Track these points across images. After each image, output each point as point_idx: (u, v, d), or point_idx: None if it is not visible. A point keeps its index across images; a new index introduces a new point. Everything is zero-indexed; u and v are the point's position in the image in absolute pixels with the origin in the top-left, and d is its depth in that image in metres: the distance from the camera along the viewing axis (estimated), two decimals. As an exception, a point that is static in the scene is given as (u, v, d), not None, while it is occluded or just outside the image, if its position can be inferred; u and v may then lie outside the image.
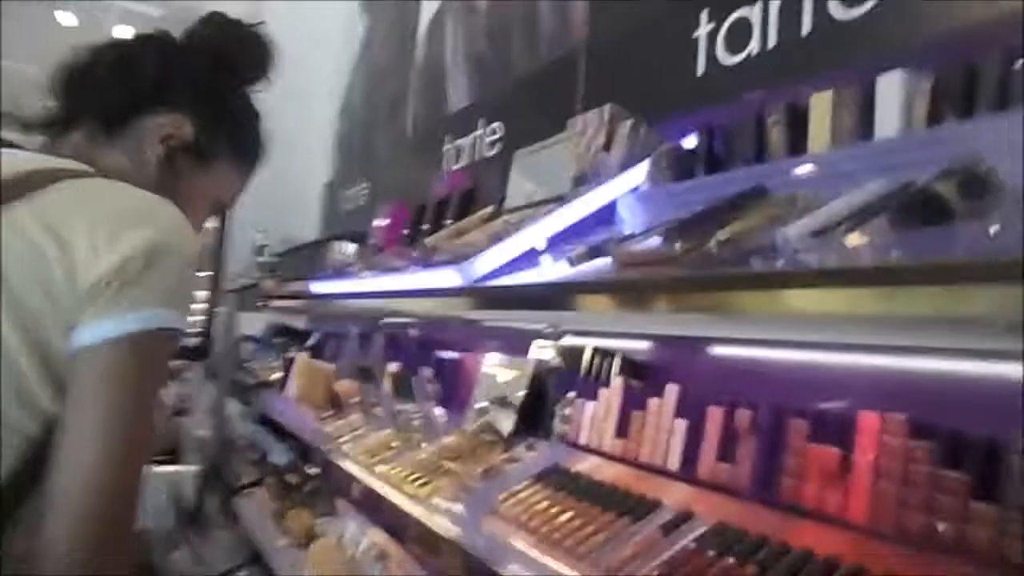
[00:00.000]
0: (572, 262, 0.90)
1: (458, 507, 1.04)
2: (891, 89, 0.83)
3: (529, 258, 1.04)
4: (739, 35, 1.29)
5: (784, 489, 0.78)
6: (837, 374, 0.85)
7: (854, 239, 0.59)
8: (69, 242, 0.66)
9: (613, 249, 0.85)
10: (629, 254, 0.80)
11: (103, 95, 0.82)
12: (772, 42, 1.23)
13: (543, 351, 1.39)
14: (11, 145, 0.80)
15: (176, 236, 0.71)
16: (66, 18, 5.67)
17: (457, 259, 1.03)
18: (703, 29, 1.36)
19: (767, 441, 0.81)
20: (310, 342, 2.41)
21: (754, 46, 1.26)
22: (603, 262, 0.88)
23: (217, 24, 0.90)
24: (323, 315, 2.68)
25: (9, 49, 6.88)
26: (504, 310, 1.19)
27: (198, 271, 0.82)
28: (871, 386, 0.80)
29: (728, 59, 1.30)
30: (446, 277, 1.06)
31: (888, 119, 0.82)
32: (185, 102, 0.84)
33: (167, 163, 0.83)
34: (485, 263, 0.98)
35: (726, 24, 1.32)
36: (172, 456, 3.83)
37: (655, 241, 0.80)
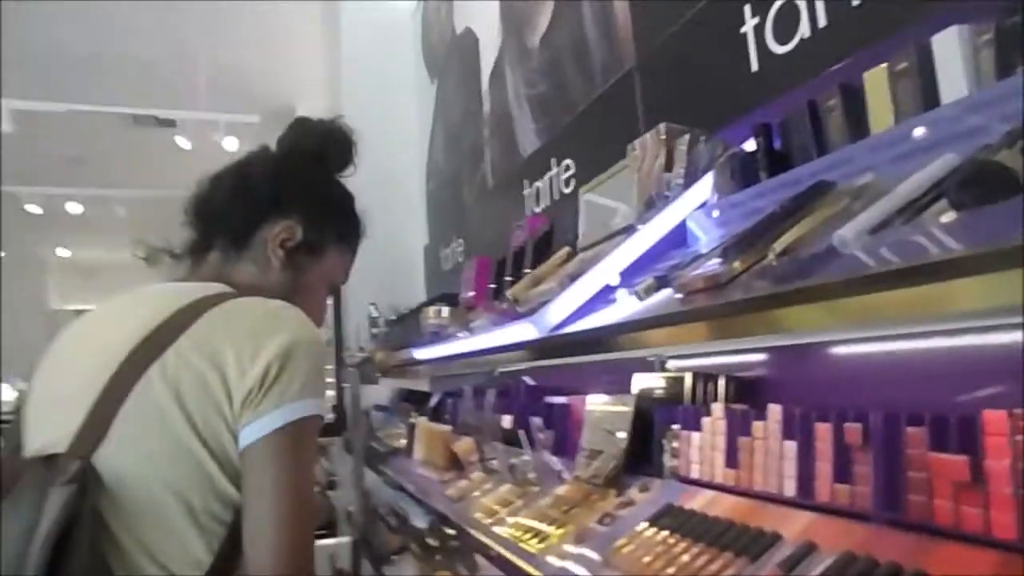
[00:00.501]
0: (640, 296, 0.87)
1: (576, 558, 1.01)
2: (950, 47, 0.75)
3: (604, 296, 1.02)
4: (787, 21, 1.22)
5: (912, 507, 0.70)
6: (951, 370, 0.76)
7: (916, 227, 0.53)
8: (222, 366, 0.81)
9: (673, 277, 0.81)
10: (689, 281, 0.76)
11: (228, 218, 0.99)
12: (822, 21, 1.16)
13: (646, 382, 1.35)
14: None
15: (302, 334, 0.85)
16: (183, 142, 6.27)
17: (530, 311, 1.02)
18: (749, 23, 1.30)
19: (884, 455, 0.74)
20: (431, 404, 2.46)
21: (804, 29, 1.19)
22: (669, 292, 0.84)
23: (306, 128, 1.06)
24: (440, 376, 2.74)
25: (140, 178, 7.66)
26: (585, 355, 1.17)
27: (325, 358, 0.90)
28: (990, 380, 0.71)
29: (780, 48, 1.24)
30: (523, 331, 1.05)
31: (953, 82, 0.75)
32: (293, 205, 1.00)
33: (288, 263, 0.99)
34: (556, 312, 0.97)
35: (771, 13, 1.26)
36: (329, 530, 4.02)
37: (714, 262, 0.76)
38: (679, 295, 0.78)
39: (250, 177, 1.01)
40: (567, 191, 2.03)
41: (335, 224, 1.05)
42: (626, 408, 1.23)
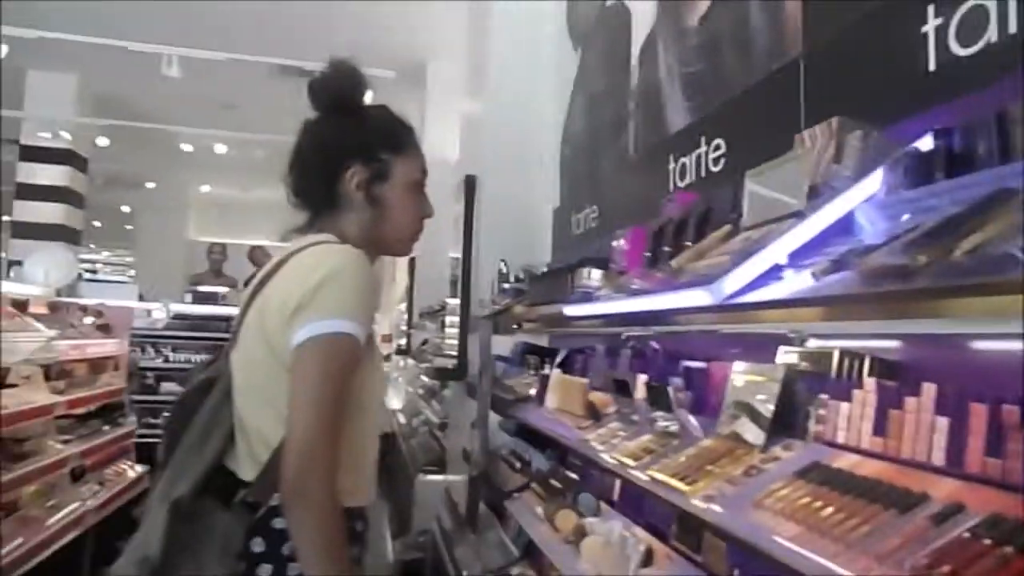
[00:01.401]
0: (816, 276, 0.99)
1: (723, 500, 1.15)
2: None
3: (772, 273, 1.14)
4: (973, 24, 1.27)
5: (1062, 481, 0.80)
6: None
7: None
8: (285, 295, 1.11)
9: (855, 262, 0.92)
10: (871, 267, 0.87)
11: (312, 195, 1.26)
12: (1013, 27, 1.20)
13: (789, 356, 1.46)
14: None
15: (337, 269, 1.10)
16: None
17: (706, 279, 1.15)
18: (931, 23, 1.35)
19: (1038, 435, 0.84)
20: (558, 359, 2.64)
21: (992, 33, 1.23)
22: (845, 275, 0.96)
23: (316, 86, 1.26)
24: (565, 334, 2.91)
25: (281, 124, 8.17)
26: (731, 325, 1.28)
27: (362, 288, 1.14)
28: None
29: (962, 51, 1.28)
30: (696, 297, 1.19)
31: None
32: (344, 155, 1.23)
33: (369, 197, 1.23)
34: (733, 281, 1.10)
35: (957, 15, 1.30)
36: (439, 467, 4.33)
37: (896, 252, 0.86)
38: (858, 278, 0.89)
39: (305, 159, 1.26)
40: (715, 170, 2.12)
41: (385, 144, 1.26)
42: (774, 376, 1.34)
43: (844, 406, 1.16)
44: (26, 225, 7.83)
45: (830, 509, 1.00)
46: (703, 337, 1.87)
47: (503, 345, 3.48)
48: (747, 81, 2.01)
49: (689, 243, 1.52)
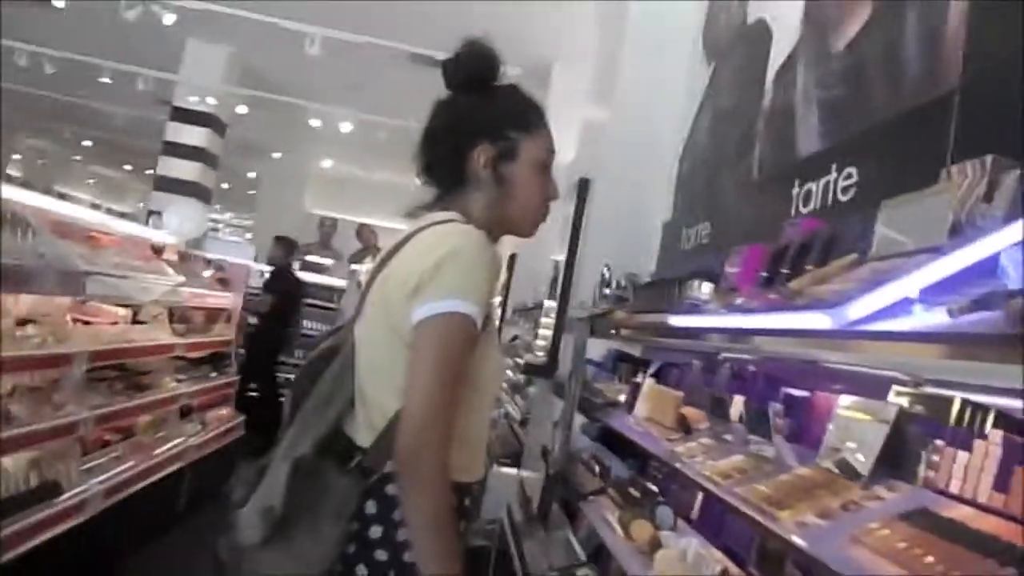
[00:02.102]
0: (953, 314, 0.95)
1: (816, 530, 1.13)
2: None
3: (900, 307, 1.10)
4: None
5: None
6: None
7: None
8: (407, 273, 1.14)
9: (1001, 303, 0.88)
10: (1019, 309, 0.84)
11: (440, 174, 1.29)
12: None
13: (901, 398, 1.41)
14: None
15: (456, 249, 1.13)
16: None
17: (827, 303, 1.13)
18: (1110, 67, 1.26)
19: None
20: (652, 369, 2.62)
21: None
22: (986, 315, 0.92)
23: (450, 67, 1.29)
24: (660, 347, 2.88)
25: (407, 110, 8.43)
26: (867, 355, 1.25)
27: (480, 268, 1.15)
28: None
29: None
30: (813, 320, 1.17)
31: None
32: (474, 134, 1.25)
33: (496, 176, 1.25)
34: (858, 308, 1.07)
35: None
36: (514, 460, 4.37)
37: (1046, 299, 0.82)
38: (1007, 320, 0.85)
39: (435, 137, 1.29)
40: (844, 199, 2.05)
41: (514, 123, 1.27)
42: (884, 415, 1.30)
43: (962, 455, 1.11)
44: (167, 180, 8.48)
45: (933, 557, 0.96)
46: (806, 367, 1.82)
47: (596, 349, 3.48)
48: (892, 110, 1.94)
49: (810, 268, 1.49)
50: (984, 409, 1.19)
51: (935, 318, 1.00)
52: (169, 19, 6.20)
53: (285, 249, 6.68)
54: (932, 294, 1.10)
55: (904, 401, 1.39)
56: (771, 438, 1.60)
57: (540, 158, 1.29)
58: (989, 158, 1.29)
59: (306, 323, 7.27)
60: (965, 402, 1.23)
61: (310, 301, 7.36)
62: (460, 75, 1.29)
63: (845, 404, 1.43)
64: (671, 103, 3.84)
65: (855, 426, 1.34)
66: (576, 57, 7.04)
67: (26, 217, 2.72)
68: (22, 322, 2.75)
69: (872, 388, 1.48)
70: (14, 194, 2.95)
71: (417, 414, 1.08)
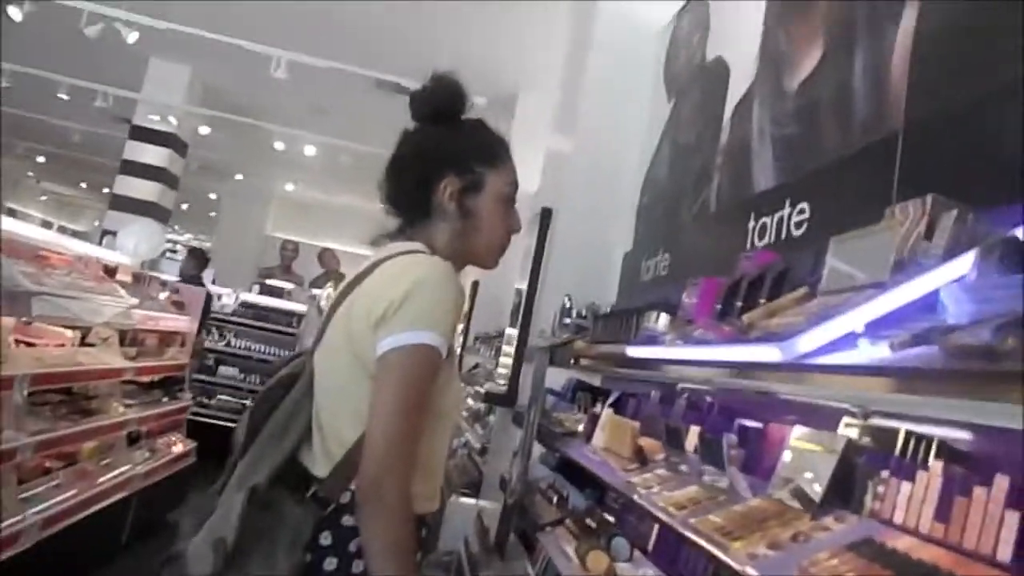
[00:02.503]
0: (893, 348, 0.98)
1: (766, 560, 1.14)
2: None
3: (846, 340, 1.13)
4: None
5: None
6: None
7: None
8: (372, 303, 1.15)
9: (938, 338, 0.91)
10: (955, 345, 0.87)
11: (405, 203, 1.31)
12: None
13: (850, 429, 1.44)
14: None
15: (423, 280, 1.14)
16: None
17: (777, 336, 1.15)
18: (1042, 114, 1.33)
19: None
20: (610, 399, 2.63)
21: (1105, 131, 1.21)
22: (925, 350, 0.94)
23: (420, 97, 1.32)
24: (619, 377, 2.90)
25: (370, 135, 8.42)
26: (817, 388, 1.27)
27: (446, 300, 1.17)
28: None
29: (1072, 146, 1.26)
30: (765, 352, 1.19)
31: None
32: (441, 165, 1.27)
33: (461, 208, 1.27)
34: (807, 342, 1.10)
35: (1071, 109, 1.28)
36: (473, 491, 4.33)
37: (984, 334, 0.85)
38: (942, 354, 0.88)
39: (402, 167, 1.30)
40: (797, 233, 2.11)
41: (479, 156, 1.30)
42: (833, 446, 1.32)
43: (906, 486, 1.14)
44: (124, 199, 8.30)
45: (883, 586, 0.97)
46: (760, 399, 1.85)
47: (556, 379, 3.48)
48: (842, 149, 2.00)
49: (763, 301, 1.52)
50: (927, 440, 1.22)
51: (878, 352, 1.03)
52: (132, 38, 6.13)
53: (197, 262, 6.52)
54: (876, 328, 1.14)
55: (853, 432, 1.42)
56: (725, 468, 1.61)
57: (504, 191, 1.32)
58: (929, 197, 1.34)
59: (265, 348, 7.14)
60: (909, 433, 1.26)
61: (269, 326, 7.24)
62: (428, 107, 1.32)
63: (797, 435, 1.45)
64: (633, 136, 3.92)
65: (807, 457, 1.36)
66: (540, 87, 7.15)
67: (-29, 235, 2.63)
68: (-40, 344, 2.65)
69: (824, 419, 1.51)
70: (-41, 211, 2.85)
71: (381, 443, 1.08)
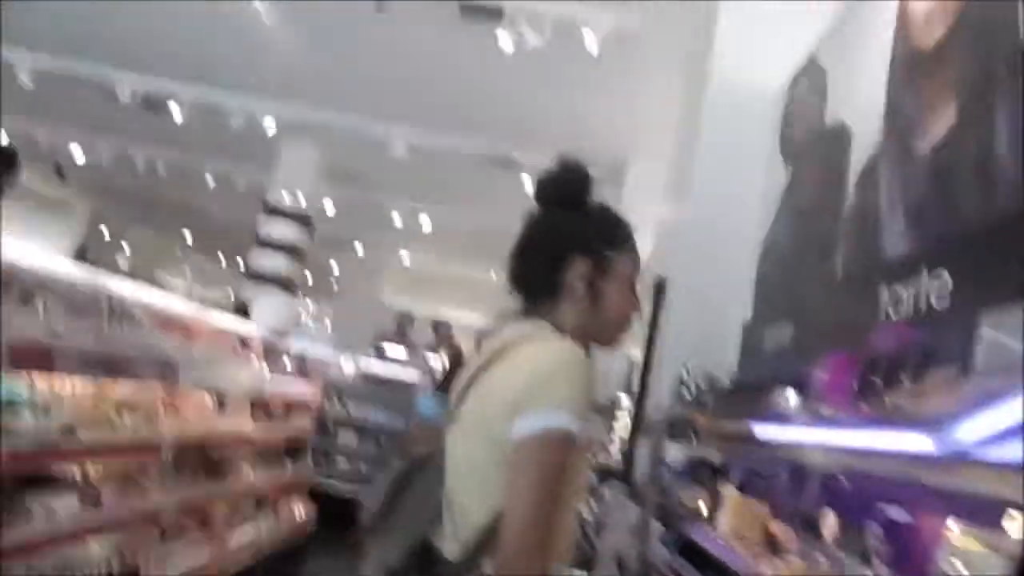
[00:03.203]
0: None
1: None
2: None
3: (1013, 431, 1.03)
4: None
5: None
6: None
7: None
8: (507, 387, 1.16)
9: None
10: None
11: (535, 285, 1.31)
12: None
13: (1016, 524, 1.29)
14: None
15: (557, 366, 1.14)
16: (527, 182, 7.06)
17: (931, 422, 1.06)
18: None
19: None
20: (735, 478, 2.50)
21: None
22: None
23: (547, 182, 1.35)
24: (742, 452, 2.76)
25: (484, 208, 8.72)
26: (978, 481, 1.16)
27: (582, 383, 1.16)
28: None
29: None
30: (914, 440, 1.10)
31: None
32: (573, 248, 1.29)
33: (590, 291, 1.28)
34: (967, 431, 1.01)
35: None
36: (587, 568, 4.19)
37: None
38: None
39: (532, 249, 1.32)
40: (939, 306, 1.96)
41: (609, 240, 1.32)
42: (1002, 547, 1.19)
43: (1094, 598, 1.00)
44: (257, 272, 8.95)
45: None
46: (904, 483, 1.70)
47: (674, 453, 3.36)
48: (984, 215, 1.87)
49: (906, 381, 1.42)
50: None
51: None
52: (270, 129, 6.71)
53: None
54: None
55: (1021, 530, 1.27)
56: (869, 561, 1.48)
57: (630, 275, 1.34)
58: (1099, 271, 1.22)
59: (381, 416, 7.34)
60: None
61: (385, 393, 7.46)
62: (556, 192, 1.35)
63: (954, 530, 1.32)
64: (748, 203, 3.84)
65: (967, 558, 1.23)
66: (650, 155, 7.18)
67: (131, 309, 2.91)
68: (119, 408, 2.89)
69: (982, 511, 1.36)
70: (122, 287, 3.17)
71: (518, 531, 1.08)
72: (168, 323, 3.37)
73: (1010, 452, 0.97)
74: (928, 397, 1.25)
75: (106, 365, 2.58)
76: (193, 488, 3.27)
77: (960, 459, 1.01)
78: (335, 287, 16.84)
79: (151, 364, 2.94)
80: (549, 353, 1.18)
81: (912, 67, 2.50)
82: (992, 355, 1.26)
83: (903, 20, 2.62)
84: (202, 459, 3.65)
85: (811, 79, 3.51)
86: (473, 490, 1.19)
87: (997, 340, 1.25)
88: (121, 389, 2.99)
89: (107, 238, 15.11)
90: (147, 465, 2.95)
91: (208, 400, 3.70)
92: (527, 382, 1.13)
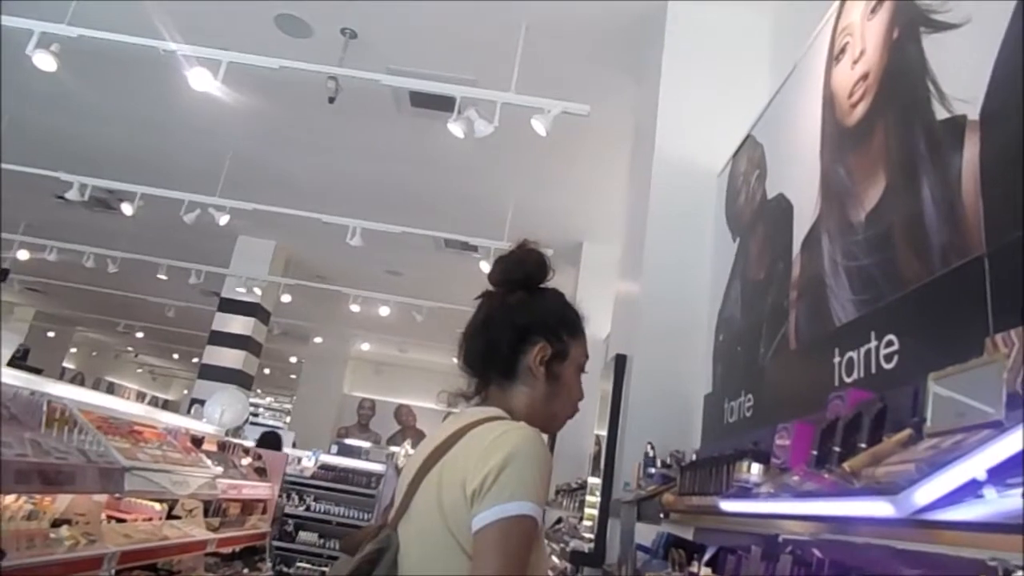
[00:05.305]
0: (1028, 499, 0.88)
1: None
2: None
3: (968, 489, 1.03)
4: None
5: None
6: None
7: None
8: (464, 475, 1.12)
9: (1078, 488, 0.82)
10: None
11: (494, 364, 1.31)
12: None
13: (990, 589, 1.27)
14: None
15: (519, 450, 1.12)
16: (484, 266, 7.11)
17: (887, 488, 1.06)
18: None
19: None
20: (707, 556, 2.44)
21: None
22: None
23: (508, 265, 1.36)
24: (713, 529, 2.71)
25: (440, 292, 8.75)
26: (942, 544, 1.15)
27: (543, 468, 1.16)
28: None
29: None
30: (874, 507, 1.09)
31: None
32: (534, 331, 1.30)
33: (548, 373, 1.30)
34: (923, 494, 1.00)
35: None
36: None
37: None
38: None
39: (492, 330, 1.32)
40: (888, 367, 2.00)
41: (566, 325, 1.35)
42: (974, 612, 1.17)
43: (1071, 661, 0.98)
44: (212, 368, 8.72)
45: None
46: (878, 550, 1.68)
47: (645, 533, 3.28)
48: (922, 277, 1.94)
49: (863, 445, 1.42)
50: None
51: (1010, 503, 0.92)
52: (224, 220, 6.70)
53: None
54: (1001, 475, 1.03)
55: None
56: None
57: (582, 361, 1.37)
58: (1035, 326, 1.26)
59: (344, 511, 7.06)
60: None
61: (348, 487, 7.20)
62: (516, 274, 1.36)
63: (925, 598, 1.29)
64: (700, 277, 3.93)
65: (941, 625, 1.20)
66: (605, 234, 7.35)
67: (73, 414, 2.78)
68: (56, 523, 2.72)
69: (955, 572, 1.35)
70: (65, 391, 3.03)
71: None
72: (115, 428, 3.22)
73: (969, 512, 0.96)
74: (884, 460, 1.25)
75: (43, 477, 2.43)
76: (139, 605, 3.05)
77: (920, 523, 1.00)
78: (294, 379, 16.47)
79: (95, 473, 2.79)
80: (509, 437, 1.16)
81: (841, 141, 2.64)
82: (942, 412, 1.27)
83: (828, 99, 2.78)
84: (151, 572, 3.43)
85: (749, 155, 3.68)
86: None
87: (946, 397, 1.27)
88: (60, 501, 2.82)
89: (52, 339, 14.62)
90: (88, 582, 2.75)
91: (156, 507, 3.51)
92: (487, 469, 1.11)
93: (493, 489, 1.10)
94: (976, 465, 1.03)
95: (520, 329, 1.31)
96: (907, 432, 1.36)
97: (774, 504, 1.50)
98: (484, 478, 1.11)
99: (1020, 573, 1.29)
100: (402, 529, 1.22)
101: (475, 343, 1.33)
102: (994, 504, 0.96)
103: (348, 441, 8.53)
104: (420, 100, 5.62)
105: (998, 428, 1.10)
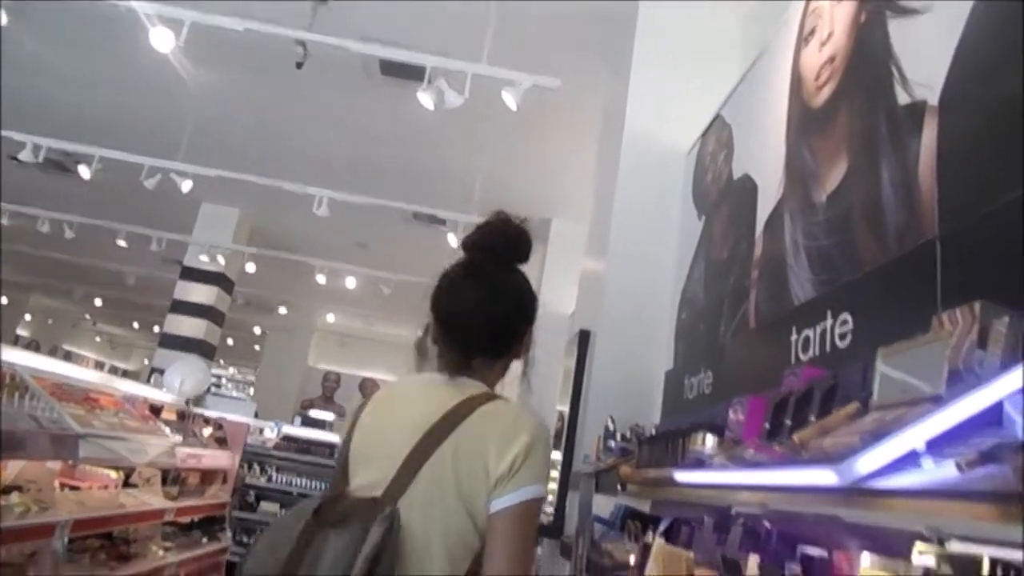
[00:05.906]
0: (961, 468, 0.92)
1: None
2: None
3: (908, 459, 1.06)
4: None
5: None
6: None
7: None
8: (485, 456, 1.16)
9: (1009, 456, 0.85)
10: (1030, 464, 0.80)
11: (497, 347, 1.31)
12: None
13: (926, 557, 1.32)
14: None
15: (539, 434, 1.19)
16: (452, 240, 7.09)
17: (832, 457, 1.09)
18: (1085, 215, 1.31)
19: None
20: (661, 527, 2.50)
21: None
22: (996, 469, 0.88)
23: (512, 236, 1.35)
24: (670, 502, 2.77)
25: (408, 265, 8.69)
26: (882, 512, 1.19)
27: (551, 449, 1.24)
28: None
29: (1123, 245, 1.22)
30: (820, 476, 1.12)
31: None
32: (532, 311, 1.34)
33: (523, 358, 1.36)
34: (865, 463, 1.03)
35: (1114, 210, 1.25)
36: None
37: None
38: (1014, 475, 0.82)
39: (507, 308, 1.31)
40: (841, 345, 2.05)
41: (535, 308, 1.35)
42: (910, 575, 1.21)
43: (997, 623, 1.03)
44: (173, 337, 8.57)
45: None
46: (824, 521, 1.73)
47: (603, 506, 3.34)
48: (878, 258, 1.98)
49: (813, 418, 1.46)
50: (1017, 570, 1.11)
51: (945, 472, 0.96)
52: (186, 186, 6.54)
53: None
54: (939, 445, 1.07)
55: (929, 560, 1.30)
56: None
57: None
58: (978, 304, 1.30)
59: (307, 482, 7.05)
60: (995, 561, 1.16)
61: (311, 459, 7.18)
62: (512, 249, 1.33)
63: (867, 564, 1.34)
64: (666, 255, 3.96)
65: (879, 590, 1.25)
66: (573, 212, 7.36)
67: (25, 380, 2.72)
68: (6, 489, 2.66)
69: (894, 544, 1.40)
70: (16, 357, 2.96)
71: None
72: (69, 395, 3.15)
73: (907, 480, 1.00)
74: (831, 432, 1.28)
75: (-5, 442, 2.38)
76: (92, 574, 3.01)
77: (862, 491, 1.03)
78: (258, 350, 16.29)
79: (46, 440, 2.73)
80: (526, 420, 1.21)
81: (806, 123, 2.67)
82: (887, 387, 1.31)
83: (795, 80, 2.81)
84: (105, 540, 3.39)
85: (717, 135, 3.70)
86: (440, 554, 1.14)
87: (891, 375, 1.31)
88: (11, 468, 2.76)
89: (5, 305, 14.22)
90: (39, 550, 2.71)
91: (112, 475, 3.46)
92: (515, 454, 1.16)
93: (521, 472, 1.15)
94: (915, 436, 1.07)
95: (527, 311, 1.34)
96: (854, 406, 1.40)
97: (726, 474, 1.53)
98: (512, 462, 1.15)
99: (953, 540, 1.35)
100: (403, 503, 1.13)
101: (476, 319, 1.26)
102: (931, 473, 1.00)
103: (313, 413, 8.50)
104: (390, 69, 5.53)
105: (938, 402, 1.14)
